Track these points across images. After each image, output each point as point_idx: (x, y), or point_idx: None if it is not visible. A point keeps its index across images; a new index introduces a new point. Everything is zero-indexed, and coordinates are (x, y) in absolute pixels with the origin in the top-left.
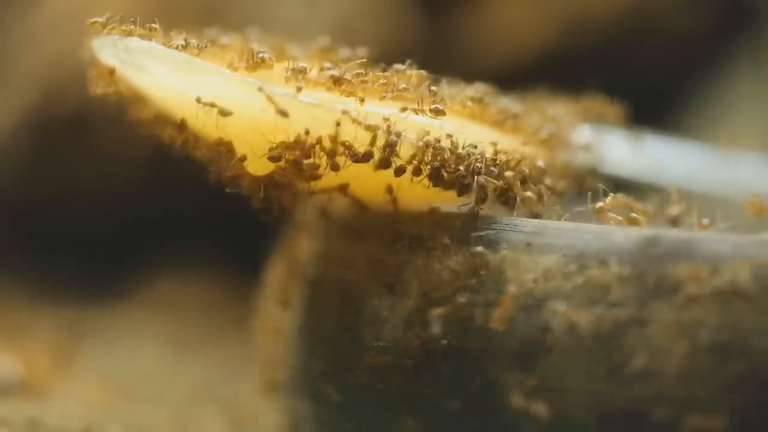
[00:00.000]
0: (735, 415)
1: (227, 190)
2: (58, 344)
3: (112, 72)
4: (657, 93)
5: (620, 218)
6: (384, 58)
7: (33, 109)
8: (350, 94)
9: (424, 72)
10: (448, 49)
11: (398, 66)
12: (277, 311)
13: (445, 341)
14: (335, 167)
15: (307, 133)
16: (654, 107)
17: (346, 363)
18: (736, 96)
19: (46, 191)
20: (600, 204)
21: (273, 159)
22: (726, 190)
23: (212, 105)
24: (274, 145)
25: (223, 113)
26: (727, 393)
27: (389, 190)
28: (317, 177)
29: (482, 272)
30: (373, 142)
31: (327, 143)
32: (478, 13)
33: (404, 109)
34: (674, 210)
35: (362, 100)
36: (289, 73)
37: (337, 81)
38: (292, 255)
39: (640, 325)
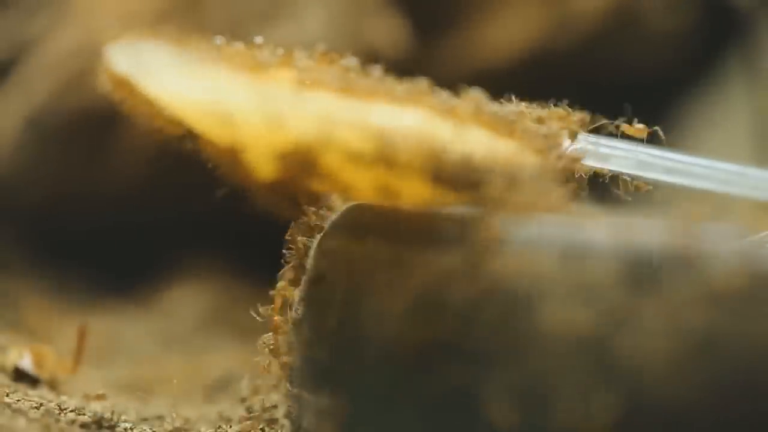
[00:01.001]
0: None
1: (234, 193)
2: (71, 343)
3: (122, 77)
4: (646, 94)
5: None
6: (382, 65)
7: (41, 110)
8: (353, 98)
9: (421, 78)
10: (442, 56)
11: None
12: (283, 310)
13: (444, 339)
14: (339, 169)
15: (311, 136)
16: (642, 108)
17: (348, 360)
18: (725, 97)
19: (54, 195)
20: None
21: (279, 162)
22: (716, 190)
23: (219, 109)
24: (280, 149)
25: (230, 117)
26: (720, 395)
27: (389, 191)
28: (322, 180)
29: (479, 271)
30: (376, 145)
31: (331, 146)
32: (468, 19)
33: (404, 113)
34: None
35: (364, 105)
36: (294, 79)
37: (340, 86)
38: (297, 255)
39: (628, 325)
